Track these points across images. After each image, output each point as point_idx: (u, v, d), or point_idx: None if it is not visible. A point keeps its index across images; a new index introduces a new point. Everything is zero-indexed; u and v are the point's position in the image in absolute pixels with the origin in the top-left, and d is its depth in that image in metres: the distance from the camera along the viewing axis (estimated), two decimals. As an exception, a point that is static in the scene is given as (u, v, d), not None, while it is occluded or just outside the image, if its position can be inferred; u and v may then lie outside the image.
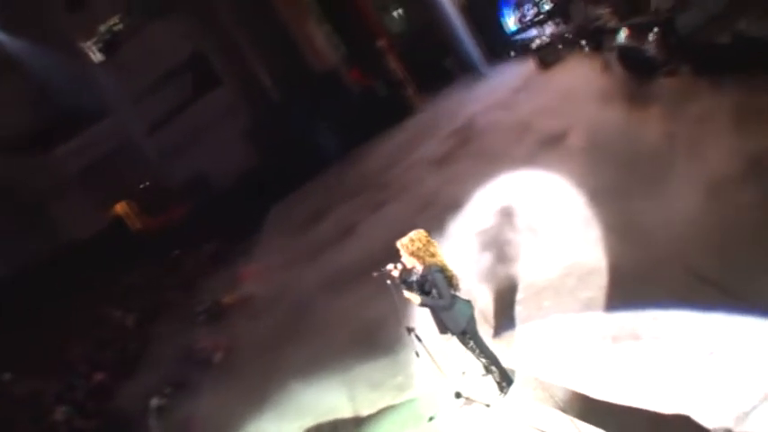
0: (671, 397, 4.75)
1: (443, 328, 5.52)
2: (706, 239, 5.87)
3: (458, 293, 5.42)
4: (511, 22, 17.81)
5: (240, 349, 9.68)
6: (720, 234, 5.83)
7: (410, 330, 5.62)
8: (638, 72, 10.99)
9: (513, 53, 17.31)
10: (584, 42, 13.08)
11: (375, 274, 5.56)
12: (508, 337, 6.53)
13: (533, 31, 16.79)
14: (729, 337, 4.92)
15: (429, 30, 17.97)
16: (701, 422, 4.44)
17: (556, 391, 5.45)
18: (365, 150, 17.65)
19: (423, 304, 5.37)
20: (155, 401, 8.80)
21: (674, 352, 5.12)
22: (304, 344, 8.90)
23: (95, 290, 14.35)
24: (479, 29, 17.80)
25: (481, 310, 6.72)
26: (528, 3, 17.46)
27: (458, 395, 5.93)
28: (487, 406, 5.73)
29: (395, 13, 18.77)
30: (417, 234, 5.32)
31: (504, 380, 5.70)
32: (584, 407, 5.14)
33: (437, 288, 5.21)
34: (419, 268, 5.35)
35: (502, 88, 16.30)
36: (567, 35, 14.05)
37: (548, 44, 15.19)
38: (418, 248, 5.25)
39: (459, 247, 8.70)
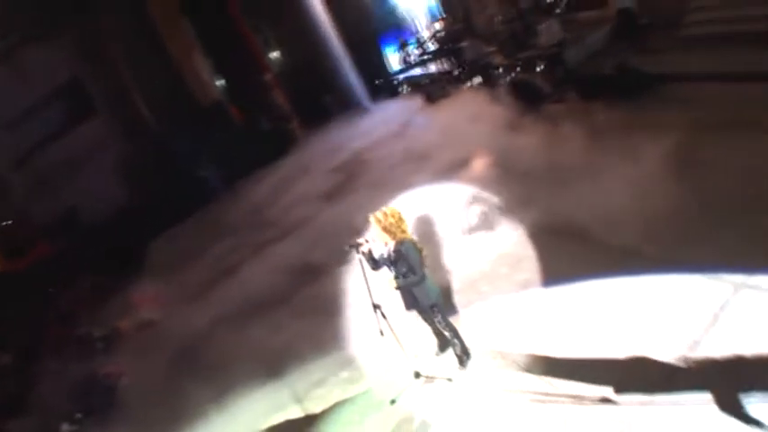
0: (623, 345, 5.25)
1: (411, 303, 5.65)
2: (608, 222, 6.80)
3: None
4: (394, 61, 18.82)
5: (151, 371, 8.96)
6: (618, 217, 6.75)
7: (376, 307, 5.67)
8: (527, 101, 12.10)
9: (397, 90, 18.15)
10: (474, 77, 14.12)
11: (346, 247, 5.60)
12: (453, 320, 6.74)
13: (418, 70, 17.85)
14: (659, 291, 5.63)
15: (314, 65, 18.38)
16: (656, 358, 4.96)
17: (515, 357, 5.76)
18: (249, 185, 17.19)
19: (398, 287, 5.46)
20: (65, 427, 7.94)
21: (614, 309, 5.71)
22: (221, 367, 8.38)
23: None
24: (363, 67, 18.48)
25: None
26: (412, 44, 18.62)
27: (417, 375, 6.00)
28: (449, 380, 5.88)
29: (277, 52, 19.04)
30: (391, 210, 5.47)
31: (465, 353, 5.91)
32: (547, 366, 5.50)
33: (409, 262, 5.36)
34: (390, 243, 5.47)
35: (391, 122, 16.74)
36: (454, 72, 15.11)
37: (433, 81, 16.21)
38: (391, 224, 5.39)
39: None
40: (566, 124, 10.56)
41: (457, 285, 7.48)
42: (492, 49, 13.70)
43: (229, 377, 7.75)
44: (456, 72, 15.22)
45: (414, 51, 18.44)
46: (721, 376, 4.62)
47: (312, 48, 18.28)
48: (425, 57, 17.95)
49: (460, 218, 9.09)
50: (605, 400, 4.88)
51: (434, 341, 6.27)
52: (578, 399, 5.03)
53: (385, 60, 18.85)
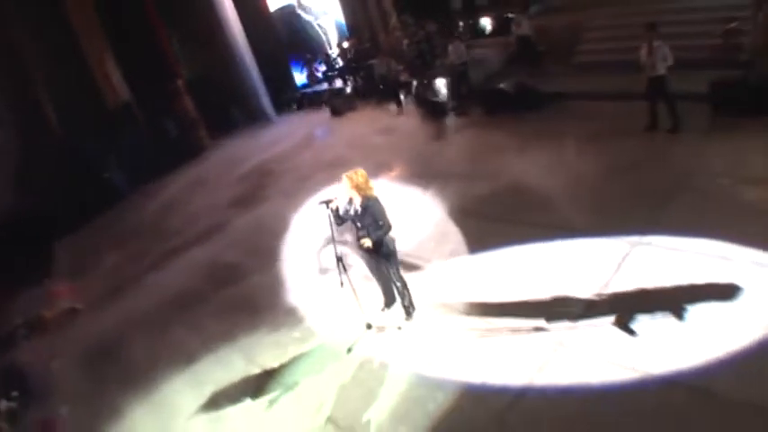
0: (547, 290, 6.39)
1: (372, 256, 6.40)
2: (510, 204, 8.41)
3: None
4: (300, 76, 19.61)
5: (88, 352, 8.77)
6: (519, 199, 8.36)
7: (339, 259, 6.38)
8: (432, 114, 13.41)
9: (302, 104, 18.87)
10: (381, 92, 15.26)
11: (318, 203, 6.27)
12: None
13: (324, 85, 18.76)
14: (572, 251, 6.95)
15: (223, 76, 18.66)
16: (575, 295, 6.13)
17: (455, 305, 6.70)
18: (156, 189, 16.85)
19: (375, 241, 6.15)
20: (3, 404, 7.62)
21: (535, 267, 6.91)
22: (168, 339, 8.41)
23: None
24: (270, 80, 19.02)
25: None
26: (318, 61, 19.54)
27: (368, 326, 6.73)
28: (399, 329, 6.67)
29: (188, 60, 19.10)
30: (360, 171, 6.22)
31: (411, 304, 6.73)
32: (484, 309, 6.49)
33: (376, 215, 6.14)
34: (357, 200, 6.22)
35: (297, 134, 17.31)
36: (360, 86, 16.15)
37: (339, 95, 17.17)
38: (360, 182, 6.15)
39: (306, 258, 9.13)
40: (469, 133, 11.97)
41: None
42: (400, 67, 14.90)
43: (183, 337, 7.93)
44: (362, 86, 16.24)
45: (320, 67, 19.31)
46: (623, 305, 5.87)
47: (222, 59, 18.49)
48: (332, 73, 18.88)
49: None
50: (539, 329, 5.93)
51: (381, 298, 6.99)
52: (515, 330, 6.04)
53: (291, 75, 19.53)
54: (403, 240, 8.49)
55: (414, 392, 5.73)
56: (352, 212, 6.26)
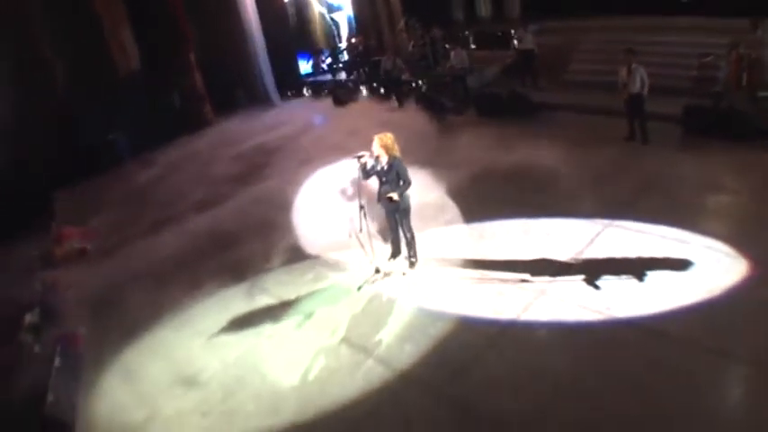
0: (532, 254, 7.57)
1: (391, 207, 7.48)
2: (502, 187, 9.61)
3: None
4: (305, 65, 20.66)
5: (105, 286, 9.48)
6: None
7: (362, 207, 7.46)
8: (433, 112, 14.57)
9: (306, 92, 19.80)
10: (384, 88, 16.39)
11: (350, 157, 7.34)
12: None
13: (327, 76, 19.83)
14: (554, 226, 8.17)
15: (234, 56, 19.45)
16: (557, 258, 7.33)
17: (452, 260, 7.82)
18: (156, 156, 17.32)
19: (399, 193, 7.28)
20: (29, 317, 8.26)
21: (523, 238, 8.11)
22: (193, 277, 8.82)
23: None
24: (276, 66, 19.87)
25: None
26: (325, 52, 20.63)
27: (377, 270, 7.80)
28: (404, 274, 7.76)
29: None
30: (388, 134, 7.33)
31: (415, 256, 7.83)
32: (477, 265, 7.62)
33: (400, 172, 7.25)
34: (384, 159, 7.31)
35: (301, 119, 17.85)
36: (364, 80, 17.24)
37: (343, 86, 18.23)
38: (388, 143, 7.25)
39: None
40: (464, 130, 13.17)
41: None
42: (404, 66, 16.07)
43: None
44: (366, 80, 17.35)
45: (326, 59, 20.39)
46: (593, 267, 7.10)
47: (235, 41, 19.22)
48: (337, 65, 19.97)
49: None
50: (524, 281, 7.09)
51: (389, 250, 8.07)
52: (504, 281, 7.19)
53: (297, 64, 20.55)
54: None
55: (417, 321, 6.82)
56: (378, 168, 7.33)
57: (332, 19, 21.41)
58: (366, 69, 18.04)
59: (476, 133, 12.91)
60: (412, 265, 7.80)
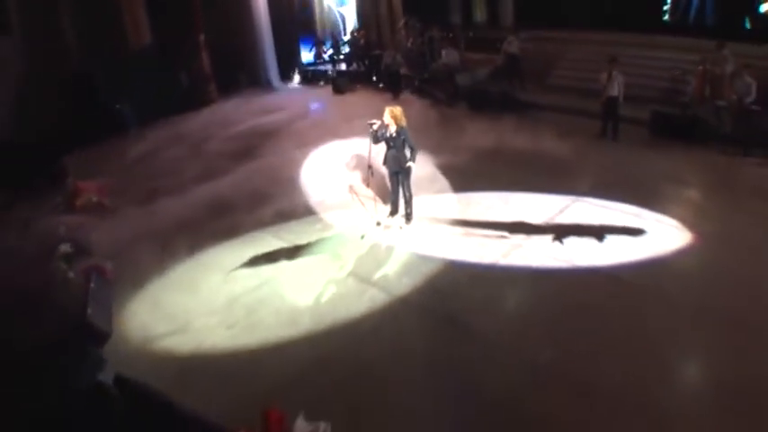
0: (510, 219, 8.92)
1: (396, 166, 8.75)
2: (488, 166, 10.98)
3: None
4: (307, 54, 21.91)
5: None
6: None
7: (370, 167, 8.72)
8: (433, 99, 15.93)
9: (305, 79, 20.99)
10: (383, 80, 17.71)
11: (367, 122, 8.59)
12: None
13: (328, 66, 21.08)
14: (529, 199, 9.47)
15: (241, 39, 20.47)
16: (531, 222, 8.69)
17: (442, 219, 9.13)
18: (160, 130, 18.03)
19: (411, 159, 8.59)
20: (63, 247, 9.03)
21: (504, 207, 9.43)
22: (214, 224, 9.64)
23: None
24: (279, 52, 20.95)
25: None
26: (327, 43, 21.90)
27: (378, 223, 9.07)
28: (401, 228, 9.03)
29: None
30: (398, 107, 8.61)
31: (412, 213, 9.10)
32: (464, 224, 8.94)
33: (407, 140, 8.53)
34: (393, 127, 8.58)
35: (300, 103, 18.59)
36: (368, 72, 18.53)
37: (342, 75, 19.46)
38: (397, 114, 8.51)
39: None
40: (455, 120, 14.51)
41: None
42: (402, 61, 17.41)
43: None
44: (366, 72, 18.64)
45: (328, 50, 21.64)
46: (561, 230, 8.46)
47: (243, 25, 20.28)
48: (337, 56, 21.23)
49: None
50: (502, 237, 8.42)
51: (388, 209, 9.33)
52: (486, 236, 8.52)
53: (299, 51, 21.74)
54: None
55: (412, 261, 8.09)
56: (387, 135, 8.60)
57: (339, 12, 22.66)
58: (366, 62, 19.28)
59: (466, 124, 14.19)
60: (408, 220, 9.05)
